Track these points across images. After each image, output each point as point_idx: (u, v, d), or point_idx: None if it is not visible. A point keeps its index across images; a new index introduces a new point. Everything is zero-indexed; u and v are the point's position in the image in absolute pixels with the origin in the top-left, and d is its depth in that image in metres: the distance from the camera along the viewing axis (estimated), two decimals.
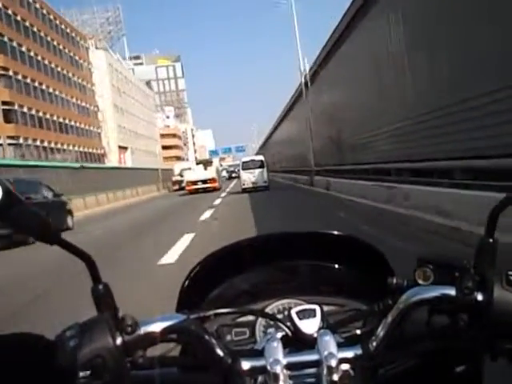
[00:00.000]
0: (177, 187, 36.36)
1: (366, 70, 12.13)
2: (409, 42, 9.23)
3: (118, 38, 77.42)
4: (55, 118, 41.39)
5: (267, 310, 0.75)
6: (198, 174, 28.74)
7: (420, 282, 0.55)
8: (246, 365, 0.53)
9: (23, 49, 37.32)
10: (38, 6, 40.96)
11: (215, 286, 0.82)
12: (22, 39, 37.37)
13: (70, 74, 46.12)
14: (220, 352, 0.52)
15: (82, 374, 0.46)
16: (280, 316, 0.68)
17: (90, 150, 48.78)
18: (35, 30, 39.90)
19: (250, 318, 0.74)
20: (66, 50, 46.18)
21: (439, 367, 0.58)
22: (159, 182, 45.63)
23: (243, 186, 22.66)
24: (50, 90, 41.23)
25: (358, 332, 0.64)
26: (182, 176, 32.41)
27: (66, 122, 43.70)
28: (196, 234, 8.48)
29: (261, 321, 0.73)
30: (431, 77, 8.10)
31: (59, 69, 43.67)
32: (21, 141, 35.12)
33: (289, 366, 0.52)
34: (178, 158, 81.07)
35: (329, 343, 0.52)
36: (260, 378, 0.54)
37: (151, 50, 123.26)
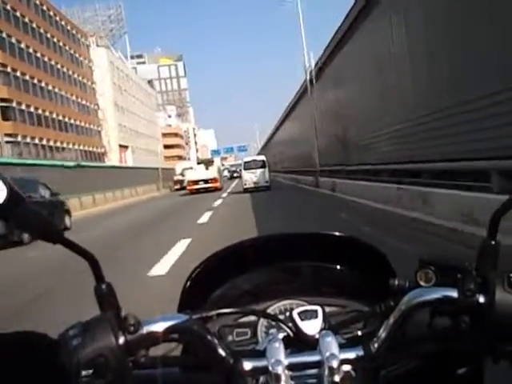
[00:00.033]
0: (178, 187, 36.11)
1: (376, 66, 11.54)
2: (409, 43, 9.15)
3: (119, 35, 76.94)
4: (54, 115, 40.83)
5: (269, 310, 0.75)
6: (199, 173, 28.45)
7: (422, 283, 0.55)
8: (247, 365, 0.53)
9: (22, 45, 36.76)
10: (37, 1, 40.39)
11: (217, 286, 0.81)
12: (21, 35, 36.80)
13: (71, 72, 45.58)
14: (222, 352, 0.53)
15: (84, 372, 0.47)
16: (282, 317, 0.68)
17: (90, 149, 48.26)
18: (35, 26, 39.36)
19: (252, 318, 0.74)
20: (67, 48, 45.64)
21: (441, 369, 0.58)
22: (159, 182, 45.07)
23: (245, 186, 22.67)
24: (50, 88, 40.68)
25: (360, 333, 0.64)
26: (183, 175, 32.12)
27: (66, 120, 43.16)
28: (192, 240, 7.78)
29: (263, 321, 0.73)
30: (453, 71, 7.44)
31: (59, 66, 43.12)
32: (19, 139, 34.60)
33: (290, 367, 0.53)
34: (180, 158, 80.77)
35: (330, 344, 0.53)
36: (262, 379, 0.54)
37: (153, 49, 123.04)
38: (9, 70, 34.28)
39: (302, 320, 0.56)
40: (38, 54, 39.38)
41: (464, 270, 0.54)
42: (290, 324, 0.57)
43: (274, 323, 0.66)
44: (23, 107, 35.63)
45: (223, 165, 59.03)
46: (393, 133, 10.17)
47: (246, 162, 23.87)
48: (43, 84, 39.48)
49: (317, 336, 0.55)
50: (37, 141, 37.26)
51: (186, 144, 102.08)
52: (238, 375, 0.53)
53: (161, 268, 5.62)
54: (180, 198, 26.52)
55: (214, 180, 28.31)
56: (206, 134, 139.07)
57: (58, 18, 44.69)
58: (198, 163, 30.97)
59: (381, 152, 11.19)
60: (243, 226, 8.82)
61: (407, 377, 0.59)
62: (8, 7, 35.08)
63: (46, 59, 40.57)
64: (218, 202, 17.69)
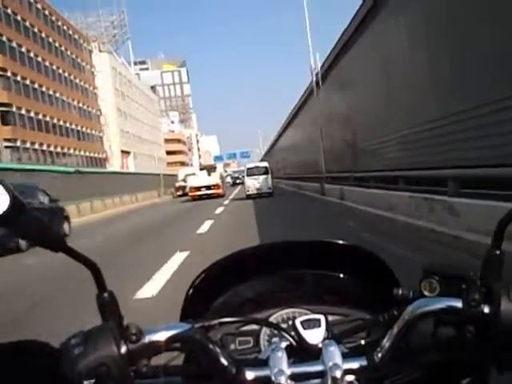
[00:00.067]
0: (180, 193, 35.88)
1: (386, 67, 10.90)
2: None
3: (122, 41, 76.64)
4: (55, 120, 40.38)
5: (271, 319, 0.75)
6: (201, 179, 28.15)
7: (426, 293, 0.55)
8: (250, 375, 0.53)
9: (23, 49, 36.41)
10: (39, 6, 40.07)
11: (219, 294, 0.81)
12: (23, 40, 36.45)
13: (72, 77, 45.23)
14: (224, 361, 0.52)
15: (86, 382, 0.47)
16: (284, 325, 0.67)
17: (92, 155, 47.80)
18: (36, 30, 39.03)
19: (255, 326, 0.73)
20: (68, 52, 45.33)
21: (445, 379, 0.58)
22: (160, 188, 44.49)
23: (247, 192, 22.79)
24: (51, 92, 40.26)
25: (363, 342, 0.64)
26: (185, 182, 31.82)
27: (67, 125, 42.71)
28: (189, 254, 7.06)
29: (265, 330, 0.73)
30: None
31: (60, 71, 42.77)
32: (18, 144, 34.09)
33: (293, 377, 0.52)
34: (183, 164, 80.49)
35: (334, 354, 0.52)
36: None
37: (156, 55, 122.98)
38: (9, 74, 33.87)
39: (304, 329, 0.56)
40: (39, 59, 39.03)
41: (468, 279, 0.53)
42: (293, 333, 0.57)
43: (276, 332, 0.64)
44: (23, 112, 35.19)
45: (226, 171, 58.67)
46: (413, 135, 9.23)
47: (248, 169, 23.94)
48: (44, 89, 39.07)
49: (320, 345, 0.54)
50: (37, 146, 36.78)
51: (189, 150, 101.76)
52: None
53: (150, 289, 4.88)
54: (181, 204, 25.95)
55: (216, 186, 27.93)
56: (209, 140, 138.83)
57: (59, 23, 44.38)
58: (201, 169, 30.84)
59: (395, 157, 10.36)
60: (245, 236, 8.10)
61: None
62: (9, 11, 34.73)
63: (47, 64, 40.21)
64: (220, 209, 16.96)
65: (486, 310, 0.51)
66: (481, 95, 6.47)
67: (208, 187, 27.57)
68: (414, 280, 0.58)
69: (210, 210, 16.36)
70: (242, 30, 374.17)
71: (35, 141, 36.34)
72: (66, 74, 43.96)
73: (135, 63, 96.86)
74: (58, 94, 41.44)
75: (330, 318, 0.65)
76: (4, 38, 33.77)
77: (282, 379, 0.51)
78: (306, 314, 0.60)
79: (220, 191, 28.09)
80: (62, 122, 41.60)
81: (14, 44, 35.04)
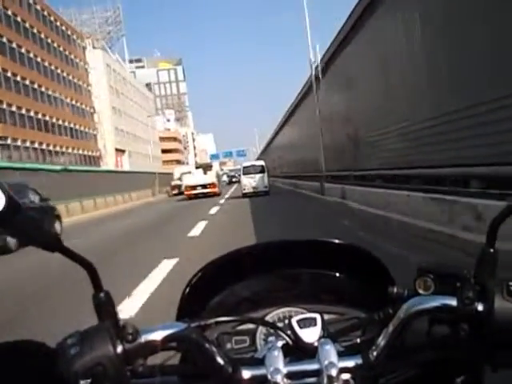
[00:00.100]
0: (176, 192, 35.54)
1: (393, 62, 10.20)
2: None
3: (117, 38, 75.68)
4: (47, 118, 39.51)
5: (267, 318, 0.75)
6: (197, 178, 27.83)
7: (420, 291, 0.55)
8: (246, 374, 0.53)
9: (14, 45, 35.50)
10: (31, 1, 39.14)
11: (216, 293, 0.81)
12: (13, 35, 35.57)
13: (65, 74, 44.35)
14: (220, 360, 0.52)
15: (82, 382, 0.47)
16: (280, 324, 0.67)
17: (85, 153, 46.99)
18: (28, 26, 38.11)
19: (251, 326, 0.73)
20: (61, 49, 44.45)
21: (439, 377, 0.59)
22: (155, 187, 43.74)
23: (244, 191, 22.86)
24: (43, 89, 39.39)
25: (359, 341, 0.65)
26: (181, 180, 31.42)
27: (60, 122, 41.84)
28: (178, 261, 6.35)
29: (261, 329, 0.73)
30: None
31: (53, 67, 41.89)
32: (9, 141, 33.23)
33: (289, 375, 0.53)
34: (178, 162, 79.85)
35: (329, 352, 0.53)
36: None
37: (152, 53, 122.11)
38: None
39: (300, 328, 0.56)
40: (31, 55, 38.14)
41: (463, 278, 0.54)
42: (289, 332, 0.57)
43: (272, 331, 0.64)
44: (14, 109, 34.33)
45: (222, 170, 57.98)
46: (426, 129, 8.50)
47: (245, 167, 23.93)
48: (36, 85, 38.18)
49: (316, 344, 0.55)
50: (28, 144, 35.91)
51: (185, 148, 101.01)
52: None
53: (127, 308, 4.14)
54: (175, 203, 25.35)
55: (212, 185, 27.66)
56: (205, 138, 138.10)
57: (52, 18, 43.47)
58: (197, 168, 30.41)
59: (405, 155, 9.55)
60: (240, 241, 7.36)
61: None
62: None
63: (39, 60, 39.33)
64: (215, 209, 16.24)
65: (480, 308, 0.51)
66: None
67: (204, 186, 27.36)
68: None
69: (205, 210, 15.68)
70: (238, 27, 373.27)
71: (26, 138, 35.49)
72: (59, 71, 43.07)
73: (131, 61, 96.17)
74: (50, 91, 40.57)
75: (326, 316, 0.65)
76: None
77: (278, 378, 0.51)
78: (302, 313, 0.60)
79: (216, 190, 27.84)
80: (54, 120, 40.73)
81: (4, 39, 34.16)
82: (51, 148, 39.64)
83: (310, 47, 15.26)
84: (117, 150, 54.60)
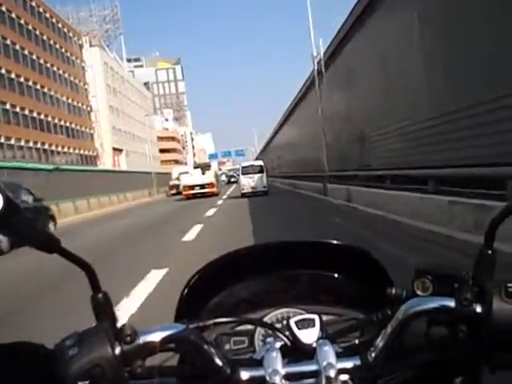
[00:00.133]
0: (174, 191, 35.21)
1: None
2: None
3: (115, 36, 74.85)
4: (42, 116, 38.72)
5: (266, 318, 0.75)
6: (195, 178, 27.53)
7: (419, 292, 0.55)
8: (244, 375, 0.53)
9: (8, 41, 34.71)
10: None
11: (214, 294, 0.81)
12: (7, 31, 34.75)
13: (61, 71, 43.56)
14: (219, 362, 0.53)
15: (80, 383, 0.47)
16: (279, 325, 0.68)
17: (82, 152, 46.18)
18: (22, 22, 37.31)
19: (249, 326, 0.74)
20: (57, 46, 43.66)
21: (438, 378, 0.59)
22: (152, 187, 43.00)
23: (242, 191, 22.88)
24: (38, 87, 38.60)
25: (357, 342, 0.65)
26: (179, 180, 31.11)
27: (55, 121, 41.02)
28: (168, 271, 5.63)
29: (260, 330, 0.73)
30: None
31: (48, 65, 41.10)
32: (2, 140, 32.46)
33: (288, 377, 0.53)
34: (177, 162, 79.30)
35: (328, 353, 0.53)
36: None
37: (151, 52, 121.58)
38: None
39: (299, 329, 0.56)
40: (26, 52, 37.35)
41: (461, 279, 0.54)
42: (287, 333, 0.57)
43: (271, 332, 0.64)
44: (7, 107, 33.55)
45: (220, 169, 57.38)
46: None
47: (244, 167, 23.90)
48: (31, 83, 37.39)
49: (314, 345, 0.55)
50: (23, 143, 35.13)
51: (183, 148, 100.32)
52: None
53: None
54: (173, 204, 24.75)
55: (210, 185, 27.33)
56: (204, 137, 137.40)
57: (47, 15, 42.67)
58: (195, 167, 30.19)
59: (424, 152, 8.64)
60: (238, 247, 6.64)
61: None
62: None
63: (34, 57, 38.53)
64: (212, 211, 15.50)
65: (479, 309, 0.52)
66: None
67: (202, 186, 27.03)
68: None
69: (202, 212, 14.98)
70: (237, 27, 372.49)
71: (21, 137, 34.71)
72: (55, 69, 42.28)
73: (130, 60, 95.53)
74: (45, 89, 39.78)
75: (325, 317, 0.65)
76: None
77: (277, 379, 0.51)
78: (300, 314, 0.60)
79: (214, 190, 27.52)
80: (49, 118, 39.94)
81: None
82: (46, 147, 38.83)
83: (313, 40, 14.51)
84: (114, 149, 53.84)
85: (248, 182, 22.83)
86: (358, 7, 11.73)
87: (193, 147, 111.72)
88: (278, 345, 0.56)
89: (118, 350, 0.48)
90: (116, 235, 11.73)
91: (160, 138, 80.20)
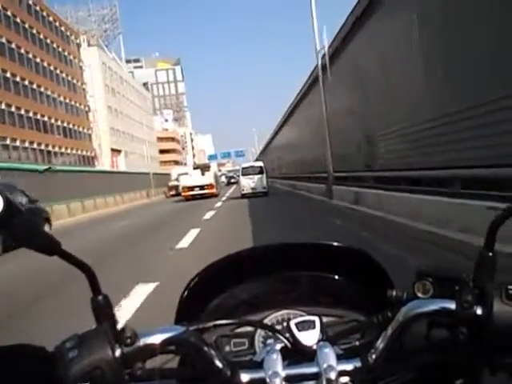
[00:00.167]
0: (173, 192, 34.97)
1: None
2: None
3: (114, 36, 74.31)
4: (39, 116, 38.05)
5: (266, 320, 0.75)
6: (194, 179, 27.19)
7: (419, 295, 0.55)
8: (245, 377, 0.53)
9: (3, 40, 34.04)
10: None
11: (215, 296, 0.81)
12: (3, 30, 34.11)
13: (58, 71, 42.89)
14: (219, 364, 0.53)
15: None
16: (279, 327, 0.67)
17: (79, 153, 45.48)
18: (19, 20, 36.66)
19: (249, 328, 0.73)
20: (55, 45, 42.99)
21: (438, 381, 0.59)
22: (151, 188, 42.30)
23: (242, 192, 23.00)
24: (34, 86, 37.91)
25: (357, 344, 0.65)
26: (178, 181, 30.78)
27: (52, 121, 40.34)
28: (158, 284, 4.94)
29: (260, 332, 0.73)
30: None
31: (45, 64, 40.42)
32: None
33: (288, 379, 0.53)
34: (176, 163, 78.72)
35: (328, 355, 0.53)
36: None
37: (151, 53, 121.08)
38: None
39: (299, 330, 0.56)
40: (22, 51, 36.69)
41: (461, 281, 0.54)
42: (288, 334, 0.57)
43: (271, 334, 0.64)
44: (3, 106, 32.88)
45: (220, 170, 56.77)
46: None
47: (244, 168, 23.95)
48: (27, 82, 36.73)
49: (314, 347, 0.55)
50: (18, 143, 34.44)
51: (183, 149, 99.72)
52: None
53: None
54: (171, 205, 24.17)
55: (210, 186, 26.99)
56: (204, 138, 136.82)
57: (44, 13, 42.02)
58: (194, 168, 29.92)
59: (440, 152, 7.87)
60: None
61: None
62: None
63: (30, 56, 37.88)
64: (210, 213, 14.81)
65: (479, 311, 0.51)
66: None
67: (201, 187, 26.72)
68: None
69: (200, 214, 14.33)
70: (237, 28, 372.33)
71: (16, 138, 34.03)
72: (52, 68, 41.62)
73: (129, 61, 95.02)
74: (42, 89, 39.10)
75: (325, 319, 0.65)
76: None
77: (277, 381, 0.51)
78: (300, 316, 0.60)
79: (214, 191, 27.23)
80: (46, 118, 39.26)
81: None
82: (43, 147, 38.15)
83: (316, 34, 13.78)
84: (112, 150, 53.19)
85: (248, 183, 22.92)
86: (358, 8, 11.46)
87: (192, 148, 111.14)
88: (279, 347, 0.56)
89: (118, 352, 0.48)
90: (106, 243, 11.02)
91: (160, 139, 79.63)
